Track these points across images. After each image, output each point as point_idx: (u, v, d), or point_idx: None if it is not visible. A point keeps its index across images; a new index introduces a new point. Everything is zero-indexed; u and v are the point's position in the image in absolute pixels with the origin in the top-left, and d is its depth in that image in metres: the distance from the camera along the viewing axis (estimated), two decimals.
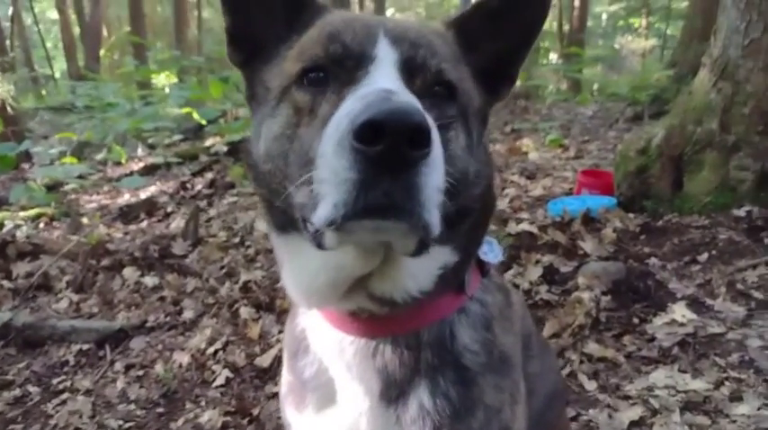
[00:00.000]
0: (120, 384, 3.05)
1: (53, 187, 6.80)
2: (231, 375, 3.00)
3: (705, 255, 3.40)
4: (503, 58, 1.19)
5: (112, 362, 3.27)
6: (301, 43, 1.07)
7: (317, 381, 1.23)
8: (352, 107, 0.84)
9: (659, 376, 2.52)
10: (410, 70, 0.99)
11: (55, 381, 3.14)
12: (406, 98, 0.86)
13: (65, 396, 2.99)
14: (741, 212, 3.70)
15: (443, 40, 1.11)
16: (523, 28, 1.17)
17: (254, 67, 1.15)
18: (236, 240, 4.76)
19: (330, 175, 0.83)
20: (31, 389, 3.07)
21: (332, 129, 0.85)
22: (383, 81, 0.92)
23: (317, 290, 1.09)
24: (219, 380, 2.97)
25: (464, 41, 1.15)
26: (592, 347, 2.76)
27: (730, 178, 3.86)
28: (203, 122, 7.69)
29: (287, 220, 1.07)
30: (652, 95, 8.56)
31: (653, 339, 2.78)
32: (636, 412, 2.35)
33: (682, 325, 2.81)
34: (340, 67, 0.99)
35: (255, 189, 1.18)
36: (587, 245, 3.65)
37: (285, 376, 1.35)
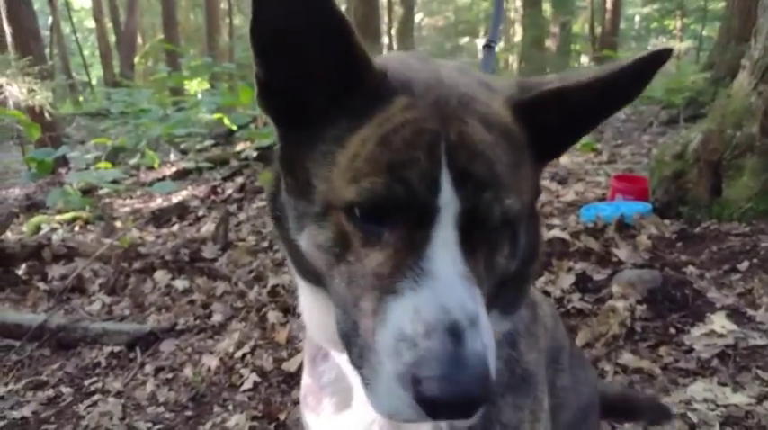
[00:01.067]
0: (149, 386, 3.07)
1: (88, 191, 6.96)
2: (259, 379, 3.00)
3: (746, 264, 3.28)
4: (570, 134, 1.05)
5: (142, 365, 3.30)
6: (356, 153, 0.88)
7: (335, 387, 1.23)
8: (413, 334, 0.78)
9: (698, 389, 2.43)
10: (471, 225, 0.86)
11: (87, 383, 3.18)
12: (478, 349, 0.78)
13: (96, 397, 3.03)
14: None
15: (509, 145, 0.92)
16: (606, 111, 1.02)
17: (290, 132, 0.99)
18: (265, 244, 4.79)
19: (387, 393, 0.81)
20: (64, 389, 3.12)
21: (389, 343, 0.80)
22: (445, 269, 0.83)
23: (335, 341, 1.05)
24: (247, 385, 2.97)
25: (531, 124, 0.96)
26: (626, 358, 2.68)
27: None
28: (234, 128, 7.78)
29: (318, 277, 1.02)
30: (687, 98, 8.37)
31: (691, 350, 2.68)
32: (674, 426, 2.26)
33: (721, 336, 2.71)
34: (400, 214, 0.86)
35: (282, 237, 1.09)
36: (621, 252, 3.55)
37: (305, 379, 1.35)
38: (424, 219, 0.85)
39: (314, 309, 1.12)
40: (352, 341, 0.89)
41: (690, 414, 2.30)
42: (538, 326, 1.30)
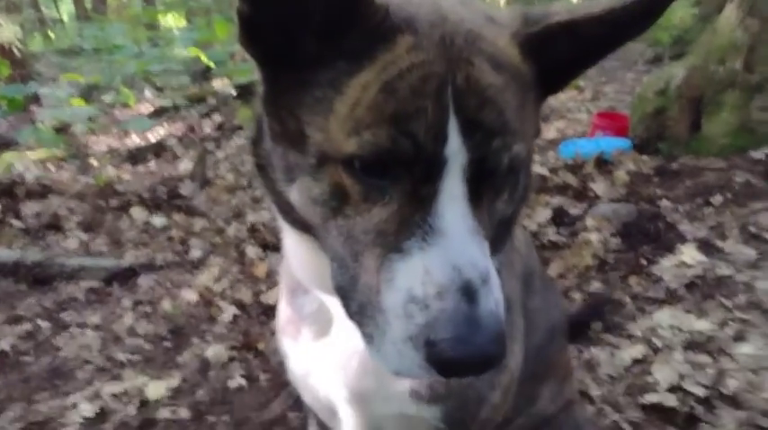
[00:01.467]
0: (128, 320, 3.09)
1: (61, 129, 6.77)
2: (238, 312, 3.03)
3: (719, 198, 3.32)
4: (574, 68, 1.00)
5: (120, 299, 3.31)
6: (356, 100, 0.81)
7: (316, 317, 1.22)
8: (424, 295, 0.75)
9: (663, 316, 2.50)
10: (478, 175, 0.82)
11: (64, 317, 3.19)
12: (491, 308, 0.75)
13: (74, 330, 3.04)
14: (759, 154, 3.59)
15: (517, 86, 0.87)
16: (614, 45, 0.96)
17: (276, 73, 0.89)
18: (244, 182, 4.75)
19: (395, 353, 0.78)
20: (42, 323, 3.12)
21: (398, 305, 0.77)
22: (455, 225, 0.79)
23: (327, 285, 1.01)
24: (226, 317, 3.00)
25: (538, 60, 0.92)
26: (596, 287, 2.74)
27: (751, 120, 3.73)
28: (211, 65, 7.54)
29: (307, 227, 0.97)
30: (674, 36, 8.24)
31: (660, 280, 2.74)
32: (638, 350, 2.34)
33: (690, 266, 2.77)
34: (405, 168, 0.81)
35: (266, 186, 1.02)
36: (598, 187, 3.58)
37: (283, 309, 1.35)
38: (430, 172, 0.80)
39: (301, 255, 1.10)
40: (350, 295, 0.86)
41: (654, 339, 2.38)
42: (514, 253, 1.31)
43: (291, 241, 1.11)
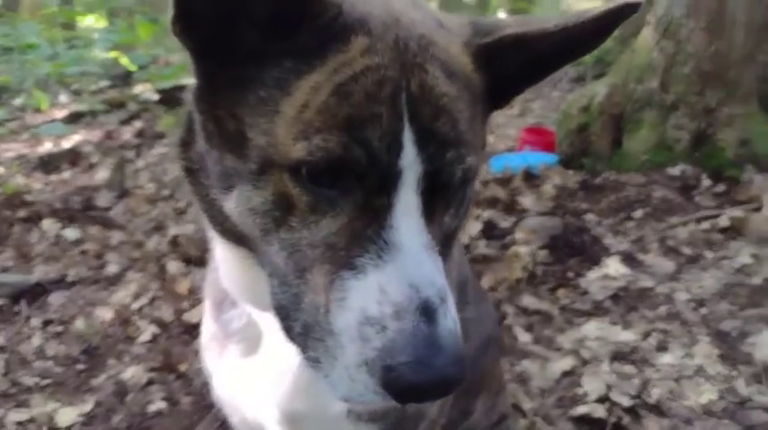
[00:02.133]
0: (36, 340, 2.86)
1: None
2: (158, 331, 2.86)
3: (640, 212, 3.46)
4: (521, 83, 0.99)
5: (28, 318, 3.05)
6: (305, 102, 0.76)
7: (244, 334, 1.16)
8: (380, 316, 0.70)
9: (591, 328, 2.56)
10: (432, 188, 0.79)
11: None
12: (451, 327, 0.72)
13: None
14: (676, 171, 3.78)
15: (469, 97, 0.85)
16: (564, 61, 0.97)
17: (214, 67, 0.83)
18: (166, 192, 4.53)
19: (346, 378, 0.73)
20: None
21: (351, 327, 0.71)
22: (410, 240, 0.75)
23: (261, 301, 0.97)
24: (145, 336, 2.83)
25: (489, 68, 0.90)
26: (527, 300, 2.78)
27: (667, 137, 3.93)
28: (133, 68, 7.23)
29: (241, 239, 0.91)
30: (595, 57, 8.64)
31: (586, 292, 2.82)
32: (567, 363, 2.38)
33: (614, 279, 2.86)
34: (357, 178, 0.76)
35: (197, 193, 0.95)
36: (527, 200, 3.65)
37: (208, 325, 1.28)
38: (384, 183, 0.76)
39: (233, 268, 1.03)
40: (292, 316, 0.80)
41: (582, 351, 2.42)
42: (452, 263, 1.29)
43: (222, 254, 1.04)
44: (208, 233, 1.05)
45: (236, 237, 0.93)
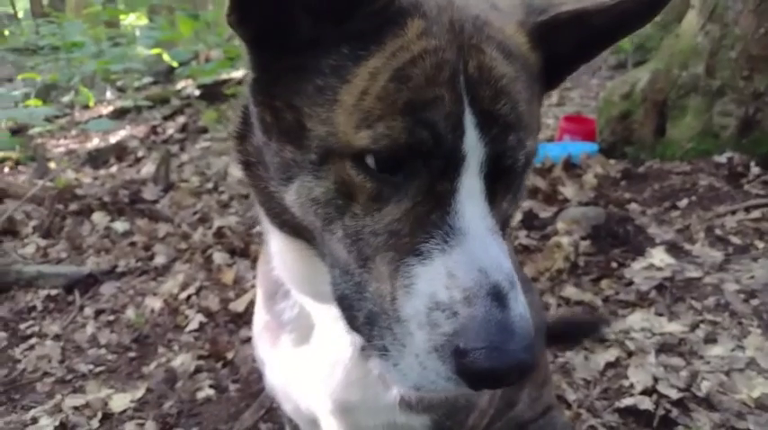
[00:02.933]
0: (90, 329, 2.97)
1: (18, 131, 6.53)
2: (205, 320, 2.94)
3: (685, 201, 3.38)
4: (574, 61, 0.98)
5: (82, 308, 3.18)
6: (364, 89, 0.75)
7: (296, 324, 1.18)
8: (450, 301, 0.69)
9: (636, 319, 2.52)
10: (495, 172, 0.78)
11: (22, 327, 3.05)
12: (522, 312, 0.71)
13: (33, 341, 2.91)
14: (722, 159, 3.67)
15: (527, 78, 0.84)
16: (617, 37, 0.95)
17: (270, 57, 0.82)
18: (210, 185, 4.64)
19: (416, 366, 0.72)
20: None
21: (420, 313, 0.71)
22: (476, 225, 0.74)
23: (318, 292, 0.99)
24: (193, 325, 2.91)
25: (545, 47, 0.89)
26: (569, 291, 2.75)
27: (713, 124, 3.81)
28: (174, 64, 7.39)
29: (300, 231, 0.92)
30: (636, 43, 8.42)
31: (631, 283, 2.77)
32: (612, 354, 2.35)
33: (660, 269, 2.80)
34: (422, 163, 0.75)
35: (255, 186, 0.94)
36: (567, 190, 3.60)
37: (260, 315, 1.30)
38: (448, 167, 0.75)
39: (290, 261, 1.04)
40: (355, 305, 0.80)
41: (627, 342, 2.39)
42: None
43: (278, 246, 1.05)
44: (263, 226, 1.06)
45: (294, 228, 0.93)
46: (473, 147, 0.75)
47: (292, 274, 1.07)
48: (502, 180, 0.80)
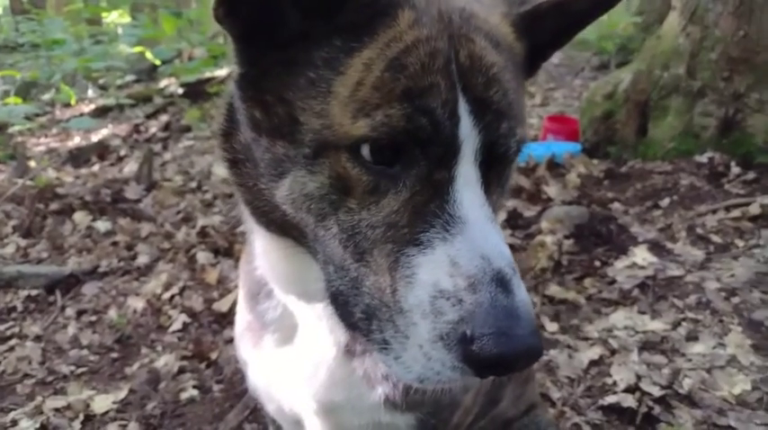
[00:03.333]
0: (71, 330, 2.93)
1: None
2: (188, 320, 2.92)
3: (667, 200, 3.43)
4: (556, 44, 1.01)
5: (63, 308, 3.14)
6: (359, 80, 0.75)
7: (279, 324, 1.17)
8: (454, 289, 0.69)
9: (619, 317, 2.55)
10: (488, 160, 0.79)
11: (2, 328, 2.99)
12: (525, 298, 0.71)
13: (13, 342, 2.86)
14: (703, 158, 3.73)
15: (514, 67, 0.86)
16: (592, 18, 0.97)
17: (258, 52, 0.83)
18: (193, 185, 4.60)
19: (420, 357, 0.72)
20: None
21: (423, 302, 0.70)
22: (475, 213, 0.74)
23: (305, 291, 1.00)
24: (176, 325, 2.88)
25: (528, 37, 0.92)
26: (553, 289, 2.77)
27: (694, 124, 3.87)
28: (157, 63, 7.32)
29: (288, 229, 0.91)
30: (618, 44, 8.50)
31: (613, 282, 2.80)
32: (595, 352, 2.37)
33: (642, 268, 2.84)
34: (420, 151, 0.75)
35: (241, 185, 0.93)
36: (551, 190, 3.63)
37: (243, 315, 1.29)
38: (446, 155, 0.75)
39: (276, 260, 1.03)
40: (351, 301, 0.79)
41: (611, 340, 2.41)
42: None
43: (263, 245, 1.04)
44: (247, 225, 1.05)
45: (282, 227, 0.92)
46: (468, 134, 0.75)
47: (278, 274, 1.06)
48: (495, 168, 0.81)
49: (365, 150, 0.75)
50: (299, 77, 0.79)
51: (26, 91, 7.90)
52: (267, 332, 1.19)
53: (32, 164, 5.45)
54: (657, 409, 2.05)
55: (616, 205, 3.46)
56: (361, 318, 0.79)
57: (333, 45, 0.77)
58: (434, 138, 0.74)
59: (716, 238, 3.01)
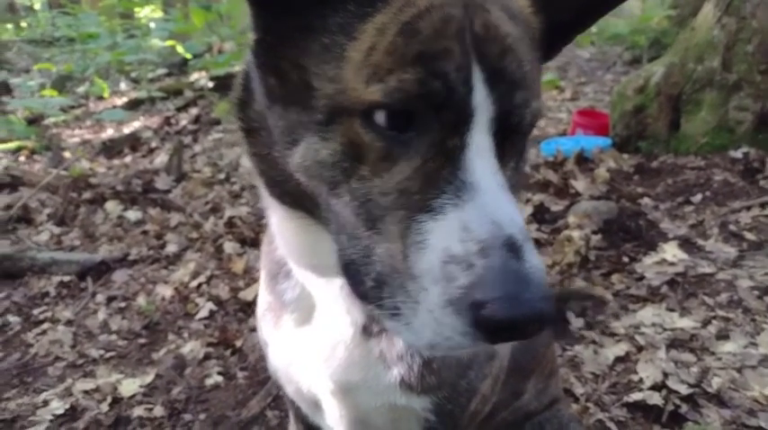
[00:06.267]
0: (101, 315, 3.00)
1: (34, 121, 6.60)
2: (215, 308, 2.96)
3: (699, 196, 3.35)
4: (576, 25, 0.98)
5: (94, 294, 3.21)
6: (372, 45, 0.75)
7: (298, 304, 1.18)
8: (465, 254, 0.68)
9: (646, 314, 2.50)
10: (503, 131, 0.78)
11: (35, 312, 3.08)
12: (537, 264, 0.70)
13: (45, 326, 2.94)
14: (738, 154, 3.63)
15: (530, 40, 0.84)
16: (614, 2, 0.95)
17: (274, 18, 0.83)
18: (222, 176, 4.66)
19: (431, 322, 0.71)
20: (11, 319, 3.02)
21: (434, 267, 0.70)
22: (487, 180, 0.74)
23: (319, 264, 1.00)
24: (203, 313, 2.93)
25: (546, 12, 0.91)
26: (579, 285, 2.73)
27: (729, 119, 3.76)
28: (188, 56, 7.43)
29: (301, 200, 0.91)
30: (651, 38, 8.32)
31: (642, 278, 2.74)
32: (621, 348, 2.33)
33: (672, 264, 2.78)
34: (434, 116, 0.75)
35: (256, 154, 0.93)
36: (579, 184, 3.58)
37: (263, 296, 1.30)
38: (459, 121, 0.74)
39: (291, 233, 1.03)
40: (362, 270, 0.79)
41: (638, 337, 2.37)
42: None
43: (279, 220, 1.04)
44: (264, 201, 1.05)
45: (296, 198, 0.92)
46: (482, 103, 0.75)
47: (293, 248, 1.06)
48: (508, 139, 0.80)
49: (378, 116, 0.75)
50: (313, 43, 0.79)
51: (62, 84, 8.11)
52: (286, 312, 1.20)
53: (67, 154, 5.59)
54: (685, 408, 2.00)
55: (646, 200, 3.39)
56: (372, 286, 0.78)
57: (347, 10, 0.77)
58: (448, 103, 0.74)
59: (749, 236, 2.93)
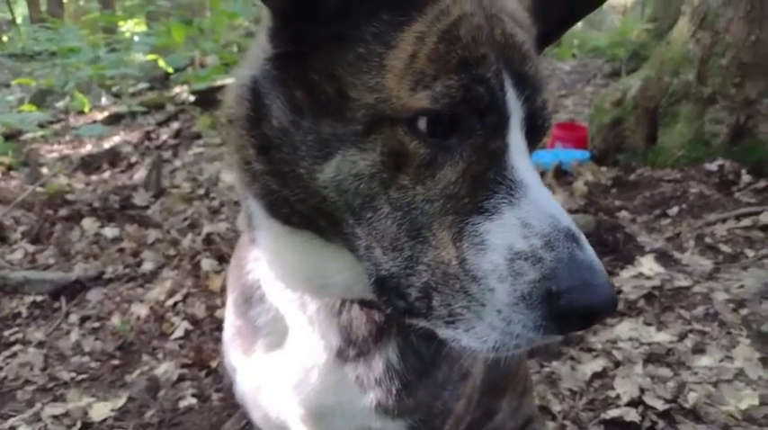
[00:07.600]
0: (74, 336, 2.94)
1: (11, 136, 6.51)
2: (190, 327, 2.92)
3: (675, 209, 3.37)
4: (557, 32, 1.05)
5: (67, 314, 3.15)
6: (413, 53, 0.76)
7: (271, 328, 1.15)
8: (531, 249, 0.70)
9: (624, 329, 2.50)
10: (530, 131, 0.82)
11: (6, 333, 3.02)
12: (593, 252, 0.73)
13: (16, 348, 2.88)
14: (713, 166, 3.66)
15: (534, 48, 0.89)
16: (588, 7, 1.01)
17: (300, 29, 0.81)
18: (201, 191, 4.61)
19: (499, 322, 0.73)
20: None
21: (500, 265, 0.71)
22: (532, 177, 0.77)
23: (324, 285, 0.99)
24: (178, 333, 2.88)
25: (541, 21, 0.96)
26: None
27: (704, 131, 3.81)
28: (170, 70, 7.38)
29: (302, 217, 0.89)
30: (630, 51, 8.43)
31: (619, 292, 2.74)
32: (599, 364, 2.33)
33: (649, 278, 2.78)
34: (477, 120, 0.76)
35: (273, 173, 0.88)
36: (557, 197, 3.58)
37: (232, 320, 1.26)
38: (499, 124, 0.77)
39: (292, 255, 0.99)
40: (404, 282, 0.78)
41: (615, 352, 2.37)
42: None
43: (274, 239, 1.00)
44: (253, 221, 1.00)
45: (309, 217, 0.89)
46: (514, 105, 0.78)
47: (291, 270, 1.01)
48: (533, 141, 0.84)
49: (422, 123, 0.75)
50: (348, 53, 0.78)
51: (41, 99, 8.02)
52: (259, 336, 1.17)
53: (45, 170, 5.52)
54: (661, 424, 2.00)
55: (623, 213, 3.41)
56: (419, 298, 0.78)
57: (381, 20, 0.78)
58: (490, 107, 0.76)
59: (725, 248, 2.95)
